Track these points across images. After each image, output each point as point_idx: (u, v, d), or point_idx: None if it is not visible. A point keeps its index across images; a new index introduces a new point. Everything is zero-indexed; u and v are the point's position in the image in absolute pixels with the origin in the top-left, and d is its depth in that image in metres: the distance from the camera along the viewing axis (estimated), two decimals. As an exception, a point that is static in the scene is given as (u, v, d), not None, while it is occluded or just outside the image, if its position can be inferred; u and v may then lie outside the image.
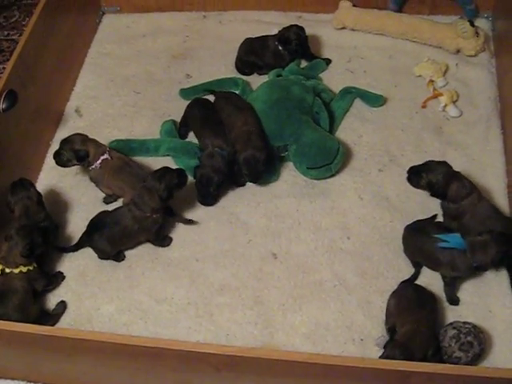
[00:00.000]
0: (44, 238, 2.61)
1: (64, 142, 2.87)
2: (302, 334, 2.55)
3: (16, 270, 2.54)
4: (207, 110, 3.11)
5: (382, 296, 2.61)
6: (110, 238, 2.71)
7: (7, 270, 2.54)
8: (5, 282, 2.54)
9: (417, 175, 2.73)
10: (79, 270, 2.77)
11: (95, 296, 2.70)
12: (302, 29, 3.30)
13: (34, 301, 2.59)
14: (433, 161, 2.73)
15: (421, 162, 2.94)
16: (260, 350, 2.19)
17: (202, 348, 2.12)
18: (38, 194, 2.76)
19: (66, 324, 2.62)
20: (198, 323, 2.60)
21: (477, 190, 2.68)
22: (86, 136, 2.91)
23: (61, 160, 2.88)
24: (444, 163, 2.71)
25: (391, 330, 2.48)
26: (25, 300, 2.55)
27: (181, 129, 3.17)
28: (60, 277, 2.74)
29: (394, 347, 2.34)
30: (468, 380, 2.03)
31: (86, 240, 2.77)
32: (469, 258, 2.48)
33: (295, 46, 3.29)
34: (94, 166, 2.87)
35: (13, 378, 2.51)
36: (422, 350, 2.35)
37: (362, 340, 2.52)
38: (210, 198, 2.90)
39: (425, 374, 2.02)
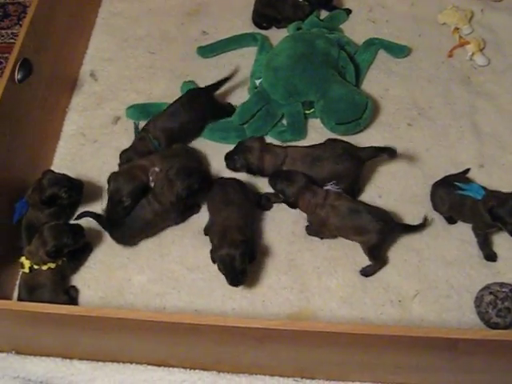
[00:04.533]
0: (74, 238, 2.50)
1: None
2: (339, 298, 2.52)
3: (44, 267, 2.47)
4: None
5: (417, 255, 2.57)
6: (131, 234, 2.66)
7: (35, 267, 2.46)
8: (34, 276, 2.46)
9: (231, 160, 2.67)
10: (107, 241, 2.70)
11: (125, 267, 2.64)
12: (324, -23, 3.17)
13: (63, 288, 2.54)
14: (242, 141, 2.68)
15: (450, 115, 2.90)
16: (303, 323, 2.15)
17: (244, 323, 2.07)
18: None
19: (98, 298, 2.57)
20: (233, 290, 2.54)
21: (289, 148, 2.67)
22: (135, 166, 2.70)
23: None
24: (253, 140, 2.67)
25: None
26: (55, 292, 2.49)
27: None
28: (88, 249, 2.67)
29: None
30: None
31: (108, 231, 2.69)
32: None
33: None
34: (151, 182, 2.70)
35: (48, 355, 2.47)
36: None
37: (400, 301, 2.49)
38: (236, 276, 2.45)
39: (472, 341, 1.99)
